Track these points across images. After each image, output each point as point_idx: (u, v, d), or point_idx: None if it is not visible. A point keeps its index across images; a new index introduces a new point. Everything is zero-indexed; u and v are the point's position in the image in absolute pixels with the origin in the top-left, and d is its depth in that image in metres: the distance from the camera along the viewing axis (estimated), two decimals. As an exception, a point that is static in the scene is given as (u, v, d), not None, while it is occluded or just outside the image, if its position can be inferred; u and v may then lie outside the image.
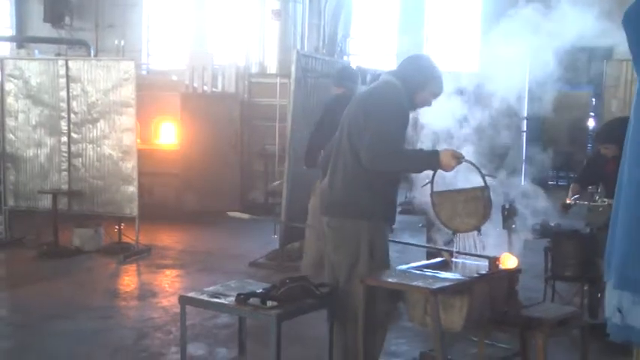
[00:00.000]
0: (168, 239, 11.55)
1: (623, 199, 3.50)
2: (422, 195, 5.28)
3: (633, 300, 3.45)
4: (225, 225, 12.12)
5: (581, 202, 7.94)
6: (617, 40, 3.55)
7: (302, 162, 9.13)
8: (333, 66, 11.25)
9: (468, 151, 5.30)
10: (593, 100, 17.35)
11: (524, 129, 19.63)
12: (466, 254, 5.03)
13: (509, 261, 4.84)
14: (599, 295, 6.87)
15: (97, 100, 10.25)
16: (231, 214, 10.14)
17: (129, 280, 9.13)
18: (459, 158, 4.83)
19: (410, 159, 5.01)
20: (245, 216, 10.52)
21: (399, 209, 14.15)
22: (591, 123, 17.73)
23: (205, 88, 14.67)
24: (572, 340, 5.81)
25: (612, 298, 3.53)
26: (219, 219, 12.15)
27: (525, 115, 19.66)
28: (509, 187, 6.57)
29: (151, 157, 12.51)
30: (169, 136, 14.31)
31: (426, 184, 5.05)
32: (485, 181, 4.89)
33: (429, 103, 5.23)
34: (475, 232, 4.97)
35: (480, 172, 4.90)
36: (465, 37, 19.99)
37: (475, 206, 4.90)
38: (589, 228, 7.29)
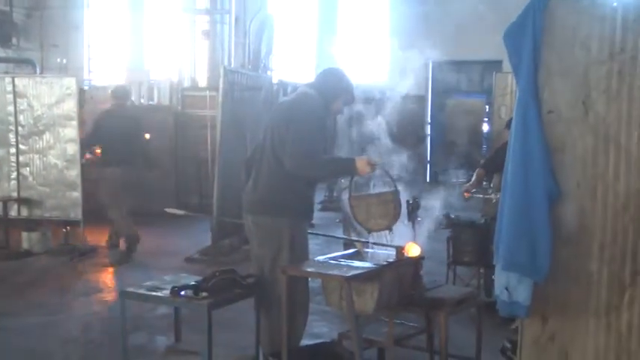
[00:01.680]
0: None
1: (508, 194, 3.58)
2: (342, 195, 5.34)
3: (518, 279, 3.53)
4: (163, 225, 12.01)
5: (478, 195, 8.11)
6: (505, 54, 3.63)
7: (231, 165, 9.16)
8: (257, 80, 11.27)
9: (379, 153, 5.38)
10: (487, 107, 17.69)
11: (428, 132, 19.94)
12: (376, 244, 5.08)
13: (413, 249, 4.90)
14: (493, 277, 7.00)
15: (43, 114, 10.04)
16: (168, 210, 10.05)
17: (75, 278, 8.93)
18: (373, 165, 4.88)
19: (329, 166, 5.06)
20: (180, 212, 10.45)
21: (319, 207, 14.30)
22: (485, 127, 18.08)
23: (142, 100, 14.56)
24: (471, 317, 5.92)
25: (500, 278, 3.61)
26: (158, 220, 12.04)
27: (429, 120, 19.99)
28: (414, 184, 6.65)
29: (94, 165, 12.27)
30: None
31: (345, 188, 5.10)
32: (395, 186, 4.96)
33: (342, 111, 5.29)
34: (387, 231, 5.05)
35: (391, 178, 4.96)
36: (374, 52, 20.20)
37: (387, 208, 4.97)
38: (484, 219, 7.43)
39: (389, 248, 4.97)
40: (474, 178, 7.82)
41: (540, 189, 3.47)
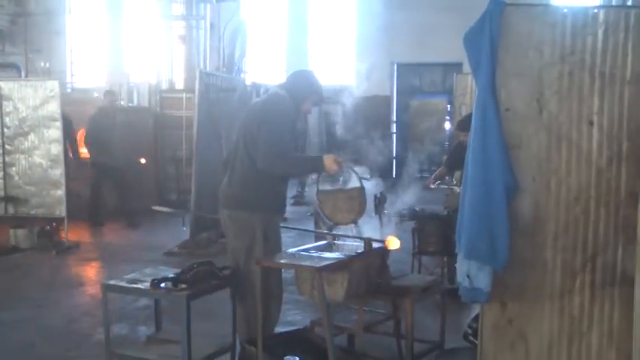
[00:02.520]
0: (94, 236, 11.27)
1: (468, 187, 3.61)
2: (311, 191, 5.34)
3: (479, 267, 3.56)
4: (143, 220, 11.94)
5: (442, 186, 8.17)
6: (465, 57, 3.66)
7: (207, 163, 9.15)
8: (232, 82, 11.24)
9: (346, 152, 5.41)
10: (449, 106, 17.77)
11: (394, 131, 19.99)
12: (346, 236, 5.09)
13: (393, 242, 4.92)
14: (456, 265, 7.05)
15: (27, 116, 9.93)
16: (156, 208, 9.97)
17: (60, 272, 8.84)
18: (340, 163, 4.90)
19: (299, 164, 5.08)
20: (167, 209, 10.39)
21: (291, 201, 14.25)
22: (447, 126, 18.16)
23: (122, 102, 14.43)
24: (435, 303, 5.95)
25: (462, 266, 3.63)
26: (139, 216, 11.97)
27: (394, 119, 20.04)
28: (381, 180, 6.67)
29: (77, 164, 12.13)
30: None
31: (313, 184, 5.11)
32: (361, 183, 4.97)
33: (310, 111, 5.29)
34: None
35: (357, 175, 4.98)
36: (342, 56, 20.22)
37: (352, 204, 4.99)
38: (447, 211, 7.47)
39: (357, 240, 4.99)
40: (436, 172, 7.88)
41: (499, 183, 3.51)
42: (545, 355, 3.71)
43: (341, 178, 5.27)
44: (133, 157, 12.52)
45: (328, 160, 4.87)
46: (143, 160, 11.23)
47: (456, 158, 8.11)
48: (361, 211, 4.97)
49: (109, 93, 12.54)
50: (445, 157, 9.29)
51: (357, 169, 5.15)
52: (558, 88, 3.57)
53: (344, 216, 5.02)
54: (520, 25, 3.55)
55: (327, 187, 5.19)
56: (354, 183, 5.05)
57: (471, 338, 5.08)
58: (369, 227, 5.23)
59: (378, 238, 4.91)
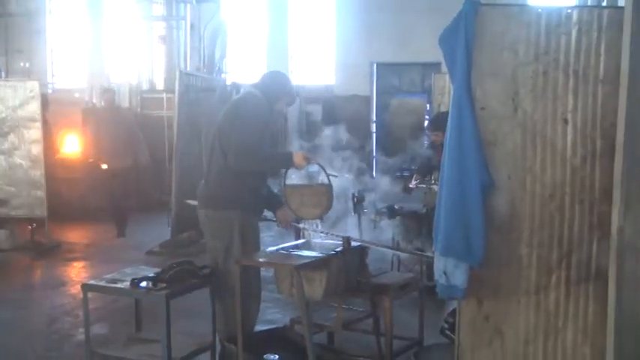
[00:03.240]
0: (76, 236, 11.16)
1: (445, 185, 3.61)
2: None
3: (455, 264, 3.56)
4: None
5: (421, 186, 8.18)
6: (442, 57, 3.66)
7: (188, 163, 9.11)
8: (212, 82, 11.20)
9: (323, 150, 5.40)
10: (428, 106, 17.81)
11: (374, 130, 20.00)
12: (326, 233, 5.09)
13: None
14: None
15: (7, 116, 9.79)
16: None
17: (41, 273, 8.78)
18: (308, 159, 4.92)
19: (268, 161, 5.10)
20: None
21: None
22: (427, 124, 18.19)
23: (103, 103, 14.31)
24: (414, 300, 5.95)
25: (439, 263, 3.63)
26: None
27: (374, 118, 20.05)
28: (361, 179, 6.68)
29: (58, 165, 12.04)
30: (73, 145, 13.83)
31: (281, 179, 5.12)
32: (329, 180, 4.97)
33: (284, 111, 5.32)
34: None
35: (325, 172, 4.98)
36: (322, 56, 20.21)
37: (319, 200, 4.99)
38: (425, 208, 7.48)
39: (337, 238, 4.99)
40: (413, 180, 7.91)
41: (475, 180, 3.51)
42: (521, 350, 3.72)
43: (310, 173, 5.29)
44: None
45: (297, 157, 4.90)
46: (104, 166, 10.94)
47: (427, 164, 8.16)
48: (329, 206, 4.99)
49: (108, 91, 12.03)
50: (418, 166, 9.28)
51: (332, 169, 5.16)
52: (533, 87, 3.57)
53: (309, 211, 5.03)
54: (495, 25, 3.55)
55: (295, 182, 5.20)
56: (322, 179, 5.05)
57: (448, 332, 5.10)
58: (348, 226, 5.24)
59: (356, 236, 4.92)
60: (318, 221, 5.05)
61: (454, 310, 5.32)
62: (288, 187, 5.07)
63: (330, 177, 4.97)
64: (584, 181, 3.60)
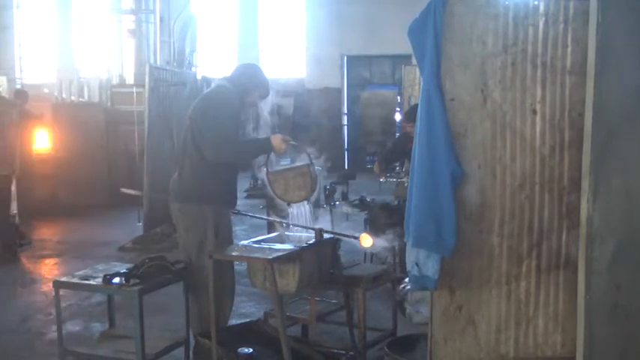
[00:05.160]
0: (47, 232, 11.03)
1: (415, 176, 3.61)
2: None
3: (427, 255, 3.57)
4: (97, 216, 11.76)
5: (391, 179, 8.20)
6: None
7: (159, 158, 9.03)
8: (182, 76, 11.13)
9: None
10: (399, 97, 17.86)
11: (345, 122, 20.03)
12: (298, 226, 5.06)
13: (366, 240, 4.91)
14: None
15: (-26, 112, 9.62)
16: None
17: (12, 270, 8.65)
18: (288, 141, 4.88)
19: (247, 148, 5.05)
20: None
21: (244, 194, 14.15)
22: (397, 117, 18.24)
23: (73, 98, 14.21)
24: (387, 292, 5.97)
25: (411, 254, 3.64)
26: (91, 211, 11.78)
27: (345, 111, 20.08)
28: (332, 171, 6.66)
29: (28, 161, 11.88)
30: (43, 141, 13.66)
31: (262, 165, 5.05)
32: (310, 159, 4.93)
33: (256, 104, 5.26)
34: (307, 208, 5.03)
35: (306, 151, 4.95)
36: (292, 49, 20.18)
37: (304, 180, 4.94)
38: (397, 200, 7.51)
39: (309, 230, 4.97)
40: (377, 169, 7.92)
41: (444, 171, 3.52)
42: (494, 339, 3.75)
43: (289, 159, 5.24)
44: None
45: (276, 140, 4.86)
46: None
47: (394, 152, 8.18)
48: (313, 186, 4.94)
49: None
50: (382, 154, 9.25)
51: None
52: (502, 78, 3.59)
53: (295, 194, 4.96)
54: (463, 17, 3.56)
55: (276, 167, 5.15)
56: (302, 160, 5.01)
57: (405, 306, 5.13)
58: (319, 218, 5.22)
59: (329, 229, 4.90)
60: (305, 203, 4.97)
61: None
62: (271, 174, 5.01)
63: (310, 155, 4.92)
64: (553, 171, 3.63)
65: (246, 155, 5.19)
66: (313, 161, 4.93)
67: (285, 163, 5.32)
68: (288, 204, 5.00)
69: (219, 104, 4.88)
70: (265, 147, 4.91)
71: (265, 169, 5.01)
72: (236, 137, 4.88)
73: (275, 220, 5.48)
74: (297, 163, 5.04)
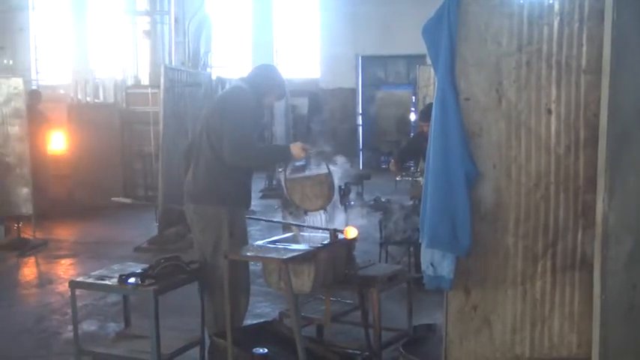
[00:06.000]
0: (63, 233, 11.11)
1: (430, 176, 3.62)
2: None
3: (442, 255, 3.58)
4: (113, 217, 11.83)
5: (407, 178, 8.21)
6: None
7: (174, 158, 9.08)
8: (197, 77, 11.17)
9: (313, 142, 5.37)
10: (413, 97, 17.85)
11: (360, 123, 20.02)
12: (312, 227, 5.08)
13: (351, 232, 4.91)
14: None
15: (-9, 114, 9.74)
16: (115, 199, 9.82)
17: (28, 270, 8.74)
18: (307, 150, 4.89)
19: (266, 153, 5.07)
20: (127, 200, 10.25)
21: (259, 195, 14.19)
22: (412, 116, 18.22)
23: (88, 99, 14.30)
24: (402, 292, 5.97)
25: (426, 255, 3.64)
26: (107, 212, 11.85)
27: (360, 111, 20.07)
28: (347, 171, 6.66)
29: (44, 162, 11.97)
30: (59, 142, 13.77)
31: (281, 172, 5.07)
32: (328, 169, 4.96)
33: (273, 105, 5.27)
34: (323, 217, 5.05)
35: (324, 161, 4.96)
36: (307, 50, 20.20)
37: (321, 189, 4.96)
38: (412, 201, 7.51)
39: (324, 231, 4.97)
40: (393, 168, 7.92)
41: (459, 170, 3.52)
42: (509, 339, 3.75)
43: (307, 167, 5.25)
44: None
45: (295, 148, 4.87)
46: None
47: (409, 150, 8.19)
48: (330, 195, 4.95)
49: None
50: (397, 153, 9.25)
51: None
52: (517, 78, 3.59)
53: (313, 202, 4.98)
54: (478, 16, 3.56)
55: (295, 174, 5.16)
56: (320, 169, 5.03)
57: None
58: (335, 219, 5.23)
59: (342, 228, 4.90)
60: (322, 212, 4.99)
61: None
62: (289, 181, 5.03)
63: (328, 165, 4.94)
64: (568, 170, 3.63)
65: (265, 161, 5.22)
66: (331, 171, 4.96)
67: (300, 164, 5.33)
68: (305, 212, 5.02)
69: (237, 106, 4.89)
70: (284, 154, 4.94)
71: (284, 175, 5.03)
72: (255, 141, 4.89)
73: (289, 224, 5.50)
74: (315, 172, 5.06)
